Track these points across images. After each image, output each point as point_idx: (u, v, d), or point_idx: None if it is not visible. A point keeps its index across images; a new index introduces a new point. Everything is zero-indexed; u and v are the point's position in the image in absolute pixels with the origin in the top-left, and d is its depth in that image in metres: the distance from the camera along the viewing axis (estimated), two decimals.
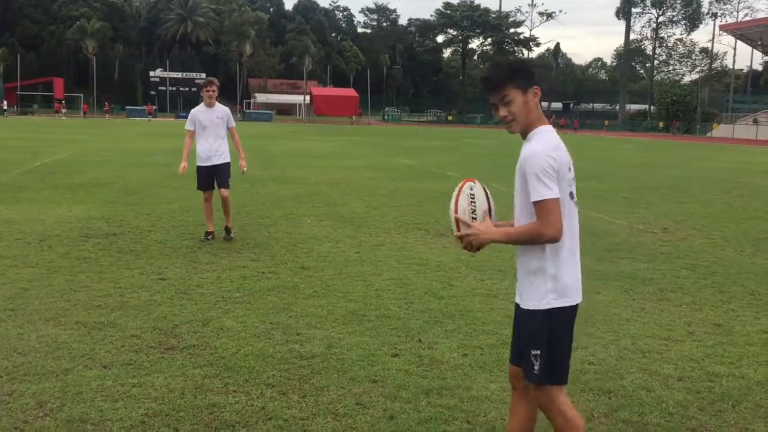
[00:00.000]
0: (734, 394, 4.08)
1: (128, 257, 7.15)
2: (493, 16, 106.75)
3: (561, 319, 2.75)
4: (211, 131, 8.12)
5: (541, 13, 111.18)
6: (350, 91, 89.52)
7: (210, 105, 8.12)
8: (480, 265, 7.20)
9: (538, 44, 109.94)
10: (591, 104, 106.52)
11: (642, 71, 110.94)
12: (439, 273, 6.81)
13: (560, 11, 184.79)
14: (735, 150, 40.53)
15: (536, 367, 2.77)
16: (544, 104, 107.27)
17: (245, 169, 8.55)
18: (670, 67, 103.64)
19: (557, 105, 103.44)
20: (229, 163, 8.28)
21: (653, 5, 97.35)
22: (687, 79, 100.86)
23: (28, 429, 3.36)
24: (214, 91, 8.06)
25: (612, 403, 3.90)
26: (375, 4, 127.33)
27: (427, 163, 22.05)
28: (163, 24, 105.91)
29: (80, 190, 12.37)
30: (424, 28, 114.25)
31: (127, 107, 79.15)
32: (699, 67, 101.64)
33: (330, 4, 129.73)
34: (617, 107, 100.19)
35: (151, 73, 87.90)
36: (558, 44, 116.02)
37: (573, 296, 2.77)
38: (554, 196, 2.63)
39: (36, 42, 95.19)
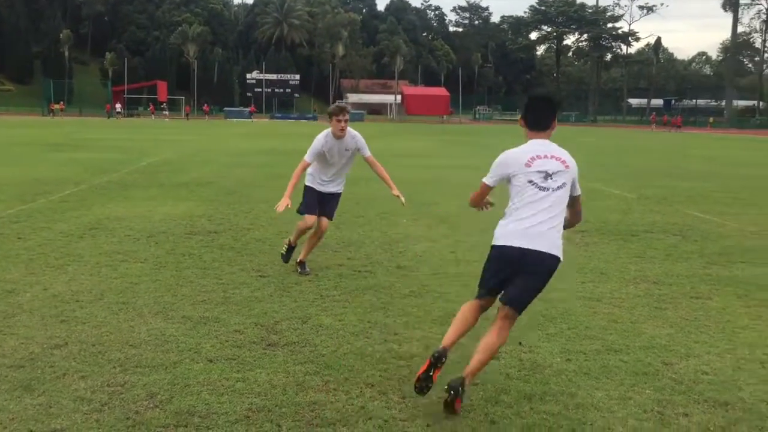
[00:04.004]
0: None
1: (229, 254, 7.35)
2: (590, 11, 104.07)
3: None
4: (335, 167, 6.63)
5: (641, 7, 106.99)
6: (441, 90, 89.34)
7: (340, 137, 6.42)
8: (581, 267, 6.97)
9: (637, 39, 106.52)
10: (694, 100, 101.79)
11: (750, 65, 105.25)
12: None
13: (661, 4, 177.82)
14: None
15: None
16: (643, 101, 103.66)
17: (404, 199, 6.53)
18: None
19: (657, 102, 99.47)
20: (341, 193, 6.94)
21: None
22: None
23: (139, 419, 3.48)
24: (347, 120, 6.42)
25: (729, 416, 3.66)
26: (467, 2, 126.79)
27: None
28: (260, 27, 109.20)
29: (183, 189, 12.86)
30: (517, 25, 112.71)
31: (226, 108, 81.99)
32: None
33: (422, 4, 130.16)
34: (723, 103, 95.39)
35: (248, 75, 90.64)
36: (659, 38, 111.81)
37: (496, 240, 3.99)
38: (483, 181, 4.14)
39: (141, 47, 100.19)
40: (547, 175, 3.84)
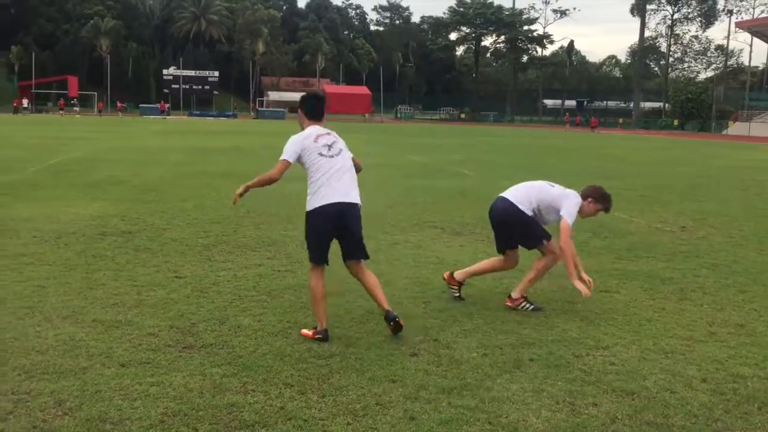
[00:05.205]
0: (760, 396, 4.00)
1: (144, 255, 7.15)
2: (507, 13, 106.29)
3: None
4: None
5: (554, 11, 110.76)
6: (363, 89, 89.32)
7: None
8: None
9: (551, 42, 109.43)
10: (605, 102, 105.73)
11: (656, 69, 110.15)
12: None
13: (574, 8, 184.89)
14: (751, 148, 40.14)
15: None
16: (558, 102, 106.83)
17: None
18: (685, 65, 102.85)
19: (570, 103, 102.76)
20: None
21: (668, 2, 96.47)
22: (702, 76, 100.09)
23: (47, 428, 3.34)
24: None
25: (635, 405, 3.83)
26: (388, 2, 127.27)
27: (441, 160, 21.98)
28: (177, 22, 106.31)
29: (96, 188, 12.41)
30: (437, 26, 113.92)
31: (141, 105, 79.53)
32: (714, 65, 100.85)
33: (343, 2, 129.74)
34: (631, 105, 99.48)
35: (165, 71, 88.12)
36: (572, 42, 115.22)
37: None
38: (282, 158, 5.02)
39: (51, 41, 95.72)
40: (329, 147, 5.07)
